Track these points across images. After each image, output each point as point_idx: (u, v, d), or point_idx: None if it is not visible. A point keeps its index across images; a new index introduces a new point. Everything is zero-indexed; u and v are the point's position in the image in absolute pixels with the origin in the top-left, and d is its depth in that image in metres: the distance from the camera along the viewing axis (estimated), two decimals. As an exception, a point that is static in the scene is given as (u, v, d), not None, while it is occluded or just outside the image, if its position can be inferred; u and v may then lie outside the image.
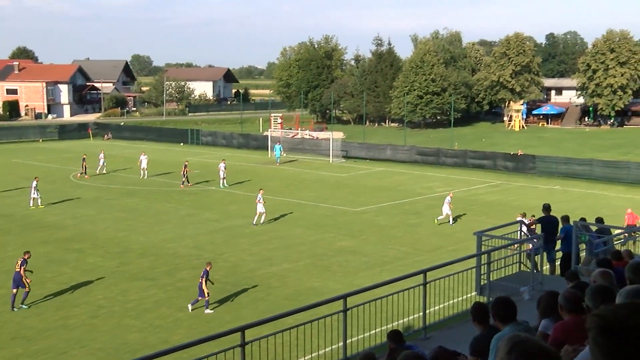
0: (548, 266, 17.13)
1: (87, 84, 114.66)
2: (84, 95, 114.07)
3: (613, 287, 5.36)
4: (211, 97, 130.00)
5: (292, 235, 29.25)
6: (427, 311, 11.50)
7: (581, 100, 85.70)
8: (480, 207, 35.73)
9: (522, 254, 14.81)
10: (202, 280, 19.88)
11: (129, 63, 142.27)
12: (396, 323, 13.47)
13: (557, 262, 17.09)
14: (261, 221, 31.10)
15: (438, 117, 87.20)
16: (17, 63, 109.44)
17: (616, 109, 79.83)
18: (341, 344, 10.35)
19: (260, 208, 31.08)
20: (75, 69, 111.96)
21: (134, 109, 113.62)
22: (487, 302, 12.28)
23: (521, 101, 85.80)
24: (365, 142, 60.68)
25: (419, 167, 51.55)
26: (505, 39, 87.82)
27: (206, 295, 19.73)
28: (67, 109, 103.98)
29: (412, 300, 11.47)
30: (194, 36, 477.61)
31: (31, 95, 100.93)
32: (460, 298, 14.04)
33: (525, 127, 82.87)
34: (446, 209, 31.85)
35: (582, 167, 45.16)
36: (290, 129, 72.79)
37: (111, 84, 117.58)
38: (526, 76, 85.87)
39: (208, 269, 20.14)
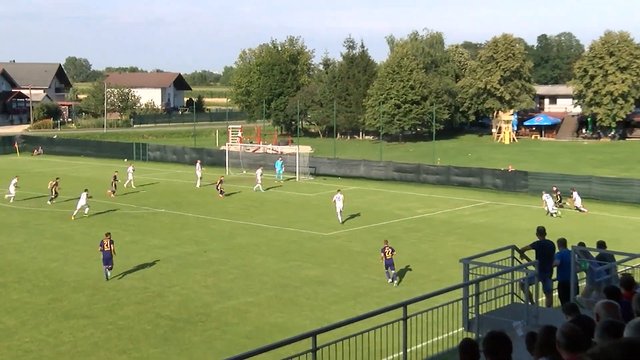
0: (544, 297, 17.26)
1: (13, 90, 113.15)
2: (9, 104, 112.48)
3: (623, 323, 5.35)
4: (159, 107, 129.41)
5: (252, 264, 29.06)
6: (408, 350, 11.45)
7: (578, 109, 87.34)
8: (466, 231, 35.93)
9: (514, 284, 14.89)
10: (393, 255, 25.88)
11: (62, 67, 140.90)
12: (373, 364, 13.39)
13: (555, 293, 17.22)
14: (340, 219, 37.14)
15: (418, 129, 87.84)
16: None
17: (617, 119, 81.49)
18: (310, 389, 10.23)
19: (339, 206, 37.09)
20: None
21: (70, 119, 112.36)
22: (476, 339, 12.28)
23: (511, 111, 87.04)
24: (335, 157, 60.82)
25: (397, 185, 51.79)
26: (493, 41, 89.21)
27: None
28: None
29: (391, 338, 11.42)
30: (139, 37, 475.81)
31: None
32: (446, 334, 14.04)
33: (515, 140, 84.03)
34: (577, 202, 39.44)
35: (580, 185, 45.84)
36: (251, 142, 72.70)
37: (42, 91, 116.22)
38: (516, 83, 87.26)
39: (385, 244, 26.20)
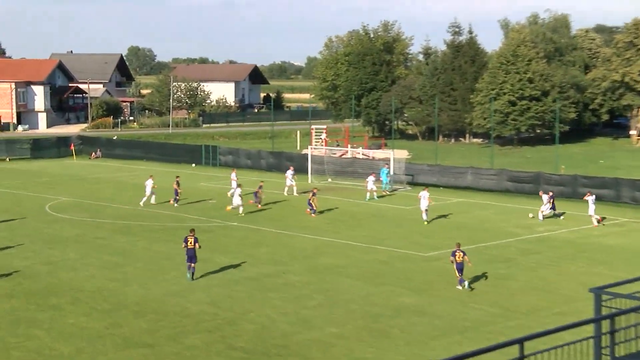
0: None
1: (70, 85, 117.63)
2: (66, 100, 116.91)
3: None
4: (232, 103, 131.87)
5: (338, 288, 29.15)
6: (526, 397, 11.24)
7: None
8: (597, 254, 35.18)
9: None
10: (464, 259, 28.67)
11: (124, 58, 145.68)
12: (482, 412, 13.20)
13: None
14: (425, 217, 41.77)
15: (537, 131, 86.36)
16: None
17: None
18: None
19: (424, 205, 41.53)
20: (54, 66, 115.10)
21: (131, 118, 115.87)
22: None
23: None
24: (437, 163, 60.42)
25: (511, 197, 51.01)
26: (633, 24, 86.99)
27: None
28: (42, 118, 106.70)
29: (505, 382, 11.25)
30: (210, 23, 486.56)
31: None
32: (572, 380, 13.65)
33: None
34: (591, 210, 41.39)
35: None
36: (338, 145, 73.06)
37: (101, 86, 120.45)
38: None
39: (457, 247, 28.99)
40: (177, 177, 48.95)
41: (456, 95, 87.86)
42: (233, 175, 50.97)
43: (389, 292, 28.71)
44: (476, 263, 32.95)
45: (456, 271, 28.74)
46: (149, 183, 47.19)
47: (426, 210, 41.99)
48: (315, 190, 46.08)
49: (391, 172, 54.51)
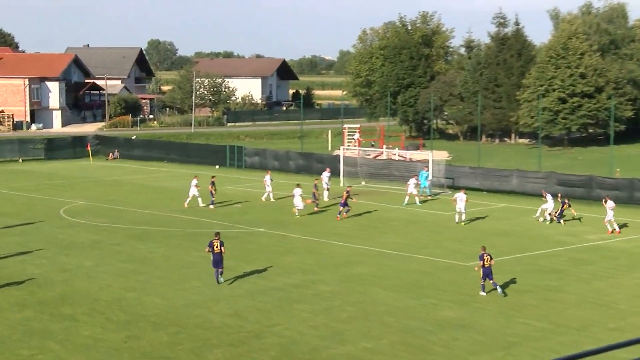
0: None
1: (86, 81, 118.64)
2: (82, 97, 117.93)
3: None
4: (259, 101, 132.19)
5: (372, 299, 29.05)
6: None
7: None
8: (656, 265, 34.78)
9: None
10: (492, 263, 28.90)
11: (144, 52, 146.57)
12: None
13: None
14: (462, 219, 43.26)
15: (590, 130, 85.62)
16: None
17: None
18: None
19: (460, 206, 42.82)
20: (70, 61, 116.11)
21: (151, 116, 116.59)
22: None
23: None
24: (480, 166, 60.07)
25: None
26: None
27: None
28: (57, 116, 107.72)
29: (557, 404, 11.05)
30: (235, 15, 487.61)
31: (8, 97, 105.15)
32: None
33: None
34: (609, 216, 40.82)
35: None
36: (372, 145, 72.91)
37: (119, 82, 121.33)
38: None
39: (483, 251, 29.35)
40: (213, 177, 49.67)
41: (501, 91, 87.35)
42: (267, 178, 51.05)
43: (428, 304, 28.55)
44: (523, 273, 32.76)
45: (481, 275, 29.20)
46: (194, 183, 48.09)
47: (463, 212, 43.16)
48: (349, 189, 46.63)
49: (430, 176, 54.23)
